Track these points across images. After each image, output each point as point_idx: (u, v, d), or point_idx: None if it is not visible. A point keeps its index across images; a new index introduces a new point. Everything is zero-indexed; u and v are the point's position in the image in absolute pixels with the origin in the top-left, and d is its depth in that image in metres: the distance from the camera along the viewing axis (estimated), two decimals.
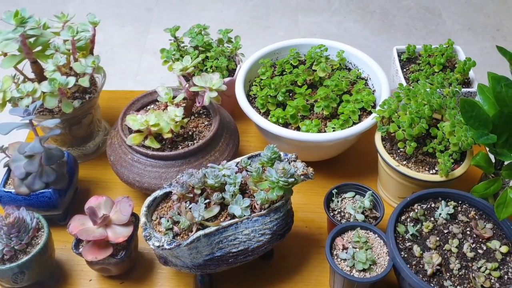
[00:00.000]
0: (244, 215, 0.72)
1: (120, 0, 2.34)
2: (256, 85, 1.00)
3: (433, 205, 0.79)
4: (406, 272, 0.69)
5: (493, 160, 0.83)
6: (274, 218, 0.74)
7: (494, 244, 0.73)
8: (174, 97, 0.92)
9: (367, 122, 0.90)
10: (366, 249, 0.74)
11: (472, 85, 1.01)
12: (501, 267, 0.71)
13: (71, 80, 0.87)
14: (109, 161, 0.90)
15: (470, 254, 0.72)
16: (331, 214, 0.84)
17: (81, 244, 0.78)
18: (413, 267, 0.71)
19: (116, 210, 0.78)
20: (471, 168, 0.85)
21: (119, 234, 0.76)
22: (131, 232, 0.77)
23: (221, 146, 0.89)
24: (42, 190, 0.83)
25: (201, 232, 0.70)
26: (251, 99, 1.00)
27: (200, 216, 0.70)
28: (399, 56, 1.08)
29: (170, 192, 0.77)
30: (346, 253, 0.74)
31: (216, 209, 0.73)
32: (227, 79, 1.02)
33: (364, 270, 0.73)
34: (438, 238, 0.74)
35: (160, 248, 0.69)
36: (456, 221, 0.77)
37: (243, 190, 0.76)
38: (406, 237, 0.75)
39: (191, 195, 0.74)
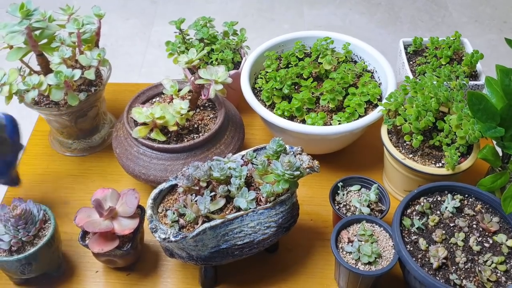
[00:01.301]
0: (250, 208, 0.72)
1: None
2: (261, 78, 1.00)
3: (439, 198, 0.79)
4: (412, 266, 0.69)
5: (500, 154, 0.82)
6: (280, 211, 0.74)
7: (501, 237, 0.73)
8: (179, 90, 0.92)
9: (373, 115, 0.90)
10: (372, 242, 0.74)
11: (479, 78, 1.00)
12: (507, 261, 0.71)
13: (77, 73, 0.87)
14: (115, 153, 0.90)
15: (476, 248, 0.72)
16: (337, 207, 0.83)
17: (88, 236, 0.78)
18: (419, 260, 0.71)
19: (122, 202, 0.78)
20: (478, 161, 0.84)
21: (125, 226, 0.76)
22: (137, 224, 0.77)
23: (227, 139, 0.88)
24: None
25: (206, 225, 0.70)
26: (256, 92, 1.00)
27: (205, 209, 0.70)
28: (405, 48, 1.07)
29: (176, 185, 0.77)
30: (352, 246, 0.74)
31: (221, 202, 0.73)
32: (232, 72, 1.01)
33: (369, 263, 0.73)
34: (444, 232, 0.74)
35: (166, 240, 0.69)
36: (462, 214, 0.77)
37: (249, 183, 0.76)
38: (412, 230, 0.74)
39: (197, 188, 0.74)
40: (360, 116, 0.92)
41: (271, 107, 0.96)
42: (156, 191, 0.76)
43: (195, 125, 0.90)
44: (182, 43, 1.06)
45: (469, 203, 0.78)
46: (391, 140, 0.89)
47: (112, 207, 0.76)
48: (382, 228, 0.77)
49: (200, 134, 0.89)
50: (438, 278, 0.69)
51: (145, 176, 0.85)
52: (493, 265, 0.70)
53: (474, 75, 1.01)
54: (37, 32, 0.89)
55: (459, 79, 0.90)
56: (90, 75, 0.90)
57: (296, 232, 0.87)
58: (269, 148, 0.76)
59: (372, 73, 1.02)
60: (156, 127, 0.86)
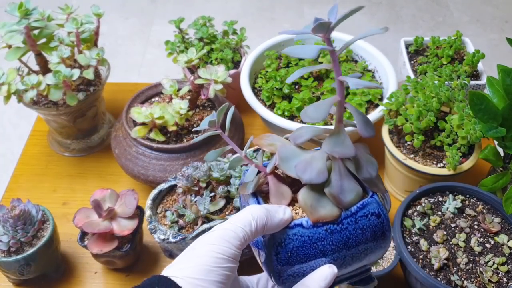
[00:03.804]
0: None
1: None
2: (261, 78, 0.99)
3: (440, 199, 0.78)
4: (413, 266, 0.68)
5: (502, 154, 0.82)
6: None
7: (502, 238, 0.72)
8: (179, 90, 0.92)
9: (374, 115, 0.89)
10: None
11: (480, 78, 0.99)
12: (508, 262, 0.70)
13: (76, 73, 0.86)
14: (114, 153, 0.90)
15: (477, 249, 0.71)
16: None
17: (87, 237, 0.78)
18: (420, 261, 0.70)
19: (121, 203, 0.78)
20: (479, 161, 0.84)
21: (124, 227, 0.76)
22: (136, 225, 0.77)
23: None
24: None
25: (206, 226, 0.69)
26: (256, 91, 0.99)
27: (205, 209, 0.70)
28: (406, 48, 1.06)
29: (175, 185, 0.77)
30: None
31: (221, 203, 0.72)
32: (232, 71, 1.01)
33: None
34: (445, 232, 0.73)
35: (165, 241, 0.69)
36: (464, 215, 0.76)
37: None
38: (413, 231, 0.74)
39: (196, 188, 0.74)
40: None
41: (271, 107, 0.96)
42: (155, 191, 0.76)
43: (195, 125, 0.90)
44: (182, 42, 1.05)
45: (470, 203, 0.78)
46: (392, 140, 0.88)
47: (111, 207, 0.76)
48: None
49: (200, 134, 0.88)
50: (439, 279, 0.68)
51: (144, 176, 0.85)
52: (495, 265, 0.70)
53: (475, 75, 1.00)
54: (36, 32, 0.89)
55: (461, 79, 0.90)
56: (89, 74, 0.89)
57: None
58: None
59: (373, 72, 1.02)
60: (155, 127, 0.86)
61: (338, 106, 0.45)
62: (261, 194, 0.48)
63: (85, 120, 0.98)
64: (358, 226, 0.44)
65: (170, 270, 0.41)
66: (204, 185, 0.73)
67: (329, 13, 0.41)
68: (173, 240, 0.69)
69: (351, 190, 0.45)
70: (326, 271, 0.44)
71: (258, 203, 0.47)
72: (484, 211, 0.77)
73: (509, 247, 0.71)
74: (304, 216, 0.45)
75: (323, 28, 0.40)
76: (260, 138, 0.49)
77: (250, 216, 0.43)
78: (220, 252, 0.41)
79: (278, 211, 0.44)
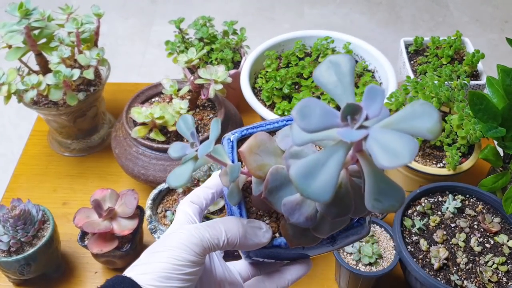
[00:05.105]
0: None
1: None
2: (261, 78, 0.99)
3: (440, 199, 0.78)
4: (413, 266, 0.68)
5: (502, 154, 0.82)
6: None
7: (502, 238, 0.72)
8: (179, 90, 0.92)
9: None
10: (372, 243, 0.74)
11: (480, 78, 0.99)
12: (508, 262, 0.70)
13: (76, 73, 0.86)
14: (114, 153, 0.90)
15: (477, 248, 0.71)
16: None
17: (87, 236, 0.78)
18: (420, 261, 0.70)
19: (121, 203, 0.78)
20: (479, 161, 0.84)
21: (124, 227, 0.76)
22: (136, 225, 0.77)
23: None
24: None
25: None
26: (256, 91, 0.99)
27: None
28: (406, 48, 1.06)
29: None
30: (352, 247, 0.74)
31: (221, 202, 0.72)
32: (232, 72, 1.01)
33: (370, 264, 0.72)
34: (445, 232, 0.73)
35: None
36: (464, 215, 0.76)
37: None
38: (413, 231, 0.74)
39: None
40: None
41: (271, 107, 0.96)
42: (155, 191, 0.76)
43: (195, 125, 0.90)
44: (182, 42, 1.06)
45: (470, 203, 0.78)
46: None
47: (111, 207, 0.76)
48: (383, 229, 0.76)
49: (200, 134, 0.88)
50: (439, 279, 0.69)
51: (144, 176, 0.85)
52: (494, 265, 0.70)
53: (475, 75, 1.00)
54: (36, 32, 0.89)
55: (460, 79, 0.90)
56: (89, 74, 0.89)
57: None
58: None
59: (373, 72, 1.02)
60: (155, 127, 0.86)
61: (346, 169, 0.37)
62: (244, 194, 0.44)
63: (85, 120, 0.98)
64: (337, 243, 0.43)
65: (132, 272, 0.40)
66: None
67: (366, 96, 0.31)
68: None
69: (339, 223, 0.40)
70: (302, 269, 0.44)
71: (240, 207, 0.43)
72: (484, 211, 0.77)
73: (508, 247, 0.72)
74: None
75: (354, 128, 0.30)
76: (250, 152, 0.41)
77: (222, 233, 0.40)
78: (179, 259, 0.39)
79: (257, 235, 0.41)
